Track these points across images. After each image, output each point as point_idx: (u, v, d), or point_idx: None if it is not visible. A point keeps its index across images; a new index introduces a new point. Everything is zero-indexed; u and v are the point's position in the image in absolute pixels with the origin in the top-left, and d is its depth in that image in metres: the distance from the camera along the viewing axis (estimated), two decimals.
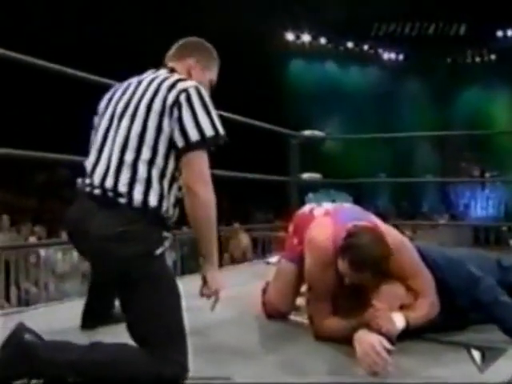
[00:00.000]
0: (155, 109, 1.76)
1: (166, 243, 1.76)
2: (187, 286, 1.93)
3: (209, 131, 1.76)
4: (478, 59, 17.48)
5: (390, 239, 2.16)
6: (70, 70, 2.94)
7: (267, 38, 14.21)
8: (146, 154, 1.74)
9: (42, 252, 6.05)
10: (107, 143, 1.81)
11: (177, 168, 1.78)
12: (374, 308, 2.03)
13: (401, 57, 17.83)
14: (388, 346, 1.87)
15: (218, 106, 1.88)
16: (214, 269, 1.87)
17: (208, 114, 1.77)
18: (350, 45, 17.04)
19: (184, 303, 1.78)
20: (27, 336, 1.58)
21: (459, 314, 2.32)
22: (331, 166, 10.32)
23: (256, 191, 10.94)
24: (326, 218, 2.41)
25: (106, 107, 1.90)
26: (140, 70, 1.95)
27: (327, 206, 2.62)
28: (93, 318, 2.27)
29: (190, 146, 1.74)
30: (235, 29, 12.29)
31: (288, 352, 2.13)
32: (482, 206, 17.21)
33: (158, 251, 1.71)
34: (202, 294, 1.88)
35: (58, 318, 2.44)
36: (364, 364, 1.86)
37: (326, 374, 1.90)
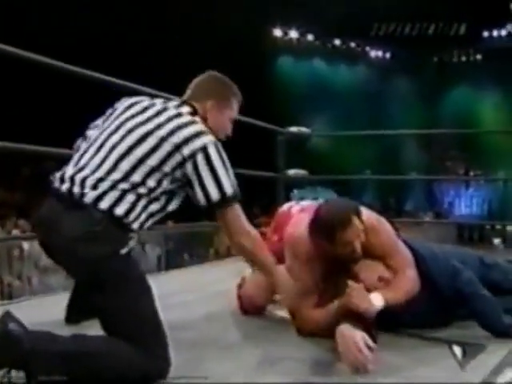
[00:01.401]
0: (164, 148, 1.79)
1: (132, 242, 1.77)
2: (171, 281, 1.95)
3: (229, 189, 1.84)
4: (464, 58, 17.59)
5: (365, 219, 2.19)
6: (58, 63, 2.92)
7: (255, 34, 14.18)
8: (133, 178, 1.76)
9: (26, 245, 6.01)
10: (99, 154, 1.82)
11: (164, 199, 1.83)
12: (350, 287, 2.04)
13: (388, 55, 17.90)
14: (370, 343, 1.89)
15: None
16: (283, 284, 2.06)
17: (226, 171, 1.84)
18: (337, 42, 17.08)
19: (167, 299, 1.78)
20: (12, 325, 1.57)
21: (445, 306, 2.34)
22: (319, 163, 10.34)
23: (243, 187, 10.93)
24: (302, 214, 2.44)
25: (107, 119, 1.94)
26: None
27: (304, 203, 2.67)
28: (77, 311, 2.27)
29: (214, 207, 1.83)
30: (223, 25, 12.25)
31: (270, 347, 2.14)
32: (466, 205, 17.32)
33: (124, 251, 1.73)
34: None
35: (42, 312, 2.43)
36: (346, 360, 1.88)
37: (308, 370, 1.91)
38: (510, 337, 2.17)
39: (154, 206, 1.82)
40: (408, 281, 2.19)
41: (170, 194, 1.84)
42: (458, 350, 2.07)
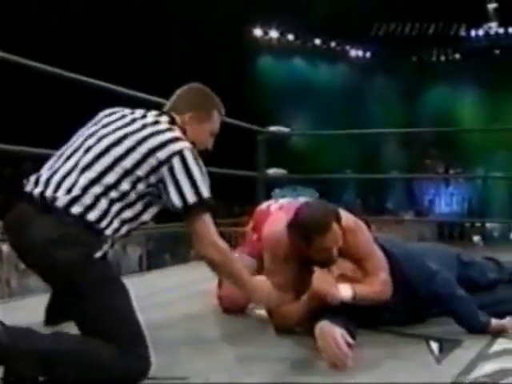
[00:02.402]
0: (140, 150, 1.79)
1: (105, 246, 1.77)
2: (152, 282, 1.95)
3: (206, 193, 1.81)
4: (443, 58, 17.76)
5: (343, 221, 2.20)
6: (41, 65, 2.90)
7: (236, 33, 14.18)
8: (107, 179, 1.76)
9: (5, 247, 5.95)
10: (74, 157, 1.83)
11: (141, 207, 1.82)
12: (316, 273, 2.07)
13: (368, 54, 18.01)
14: (350, 340, 1.91)
15: None
16: (258, 296, 2.02)
17: (203, 176, 1.83)
18: (317, 42, 17.14)
19: (148, 299, 1.79)
20: None
21: (420, 305, 2.37)
22: (299, 162, 10.37)
23: (224, 187, 10.93)
24: (280, 212, 2.46)
25: (86, 127, 1.93)
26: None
27: (283, 201, 2.68)
28: (57, 313, 2.26)
29: (189, 209, 1.79)
30: (204, 25, 12.24)
31: (250, 346, 2.16)
32: (446, 203, 17.52)
33: (98, 254, 1.73)
34: None
35: (21, 314, 2.42)
36: (325, 356, 1.89)
37: (288, 368, 1.92)
38: (486, 333, 2.20)
39: (127, 214, 1.80)
40: (379, 283, 2.21)
41: (144, 201, 1.83)
42: (435, 345, 2.10)
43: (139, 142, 1.80)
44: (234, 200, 12.20)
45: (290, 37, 16.78)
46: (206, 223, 1.83)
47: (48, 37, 9.88)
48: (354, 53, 17.99)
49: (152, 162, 1.78)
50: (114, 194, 1.76)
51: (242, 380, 1.79)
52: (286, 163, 5.06)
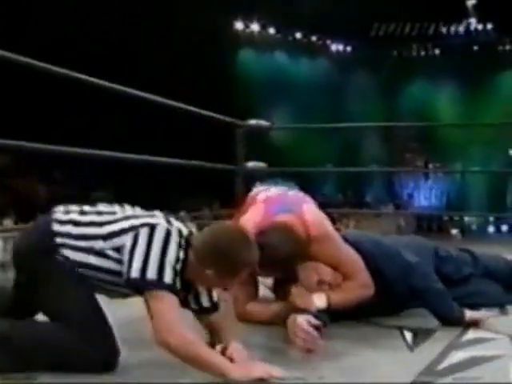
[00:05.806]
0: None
1: None
2: None
3: (152, 274, 1.65)
4: (423, 53, 17.90)
5: (312, 231, 2.20)
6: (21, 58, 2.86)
7: (217, 27, 14.15)
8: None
9: None
10: None
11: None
12: (292, 293, 2.10)
13: (348, 49, 18.08)
14: (315, 322, 1.93)
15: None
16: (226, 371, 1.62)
17: (163, 258, 1.67)
18: (298, 35, 17.17)
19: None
20: None
21: (395, 301, 2.40)
22: (280, 156, 10.42)
23: (205, 180, 10.93)
24: (260, 206, 2.38)
25: None
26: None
27: (271, 192, 2.56)
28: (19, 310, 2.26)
29: (134, 284, 1.67)
30: (184, 17, 12.19)
31: None
32: (425, 196, 17.72)
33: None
34: None
35: None
36: (296, 344, 1.92)
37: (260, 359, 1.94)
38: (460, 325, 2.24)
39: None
40: (358, 286, 2.22)
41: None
42: (408, 334, 2.15)
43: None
44: (214, 193, 12.20)
45: (271, 30, 16.79)
46: (164, 305, 1.64)
47: (42, 33, 9.81)
48: (334, 47, 18.06)
49: (124, 237, 1.73)
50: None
51: None
52: (265, 157, 5.08)
